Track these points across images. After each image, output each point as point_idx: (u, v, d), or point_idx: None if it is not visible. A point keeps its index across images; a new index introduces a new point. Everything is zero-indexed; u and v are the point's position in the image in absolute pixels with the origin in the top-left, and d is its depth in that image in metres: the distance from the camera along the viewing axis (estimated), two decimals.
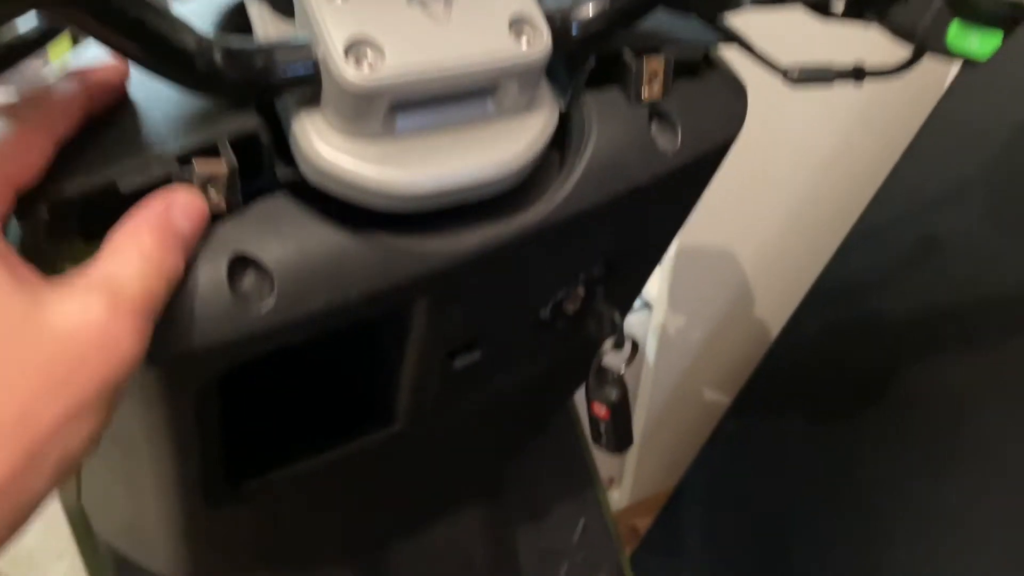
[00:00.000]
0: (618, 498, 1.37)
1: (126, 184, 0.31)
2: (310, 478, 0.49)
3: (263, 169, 0.35)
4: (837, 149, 1.06)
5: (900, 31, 0.38)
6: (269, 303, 0.33)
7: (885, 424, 0.97)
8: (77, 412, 0.27)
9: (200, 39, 0.31)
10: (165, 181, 0.32)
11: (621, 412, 0.51)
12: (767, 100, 0.95)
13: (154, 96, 0.34)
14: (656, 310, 1.11)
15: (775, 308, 1.17)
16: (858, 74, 0.42)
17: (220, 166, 0.32)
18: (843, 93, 1.06)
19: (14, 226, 0.31)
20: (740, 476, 1.15)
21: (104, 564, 0.63)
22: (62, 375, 0.26)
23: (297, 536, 0.59)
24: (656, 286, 1.08)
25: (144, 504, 0.47)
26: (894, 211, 1.00)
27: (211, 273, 0.32)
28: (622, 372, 0.51)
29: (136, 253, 0.29)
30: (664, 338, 1.13)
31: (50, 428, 0.26)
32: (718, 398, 1.28)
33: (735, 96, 0.44)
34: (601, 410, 0.51)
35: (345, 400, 0.51)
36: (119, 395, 0.29)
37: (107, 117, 0.33)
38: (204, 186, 0.32)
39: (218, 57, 0.31)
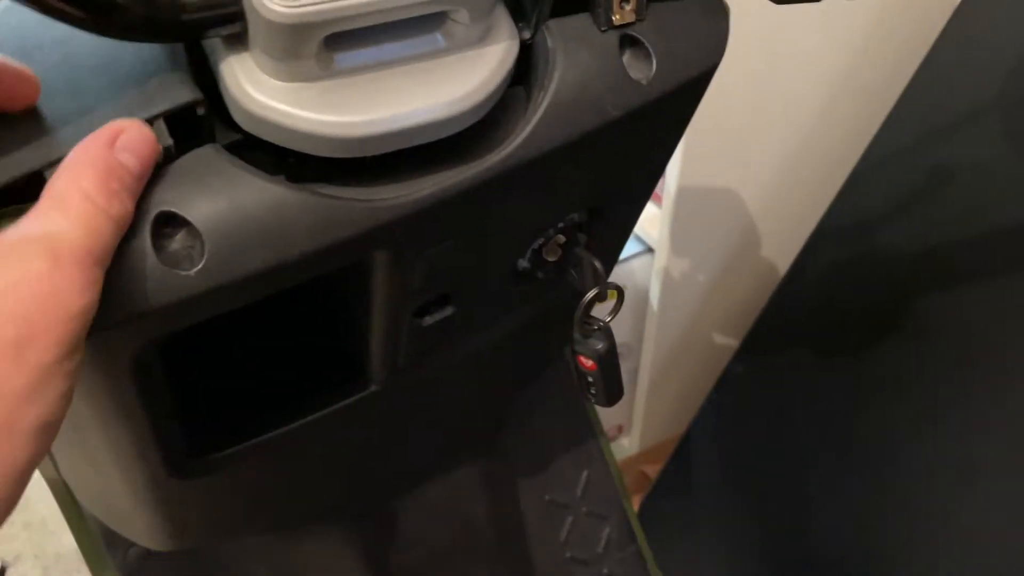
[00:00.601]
0: (627, 445, 1.35)
1: (51, 172, 0.29)
2: (285, 445, 0.46)
3: (204, 138, 0.32)
4: (841, 79, 1.01)
5: None
6: (199, 265, 0.30)
7: (895, 361, 0.95)
8: (40, 376, 0.25)
9: None
10: None
11: (609, 363, 0.48)
12: (766, 27, 0.91)
13: (82, 68, 0.31)
14: (659, 254, 1.07)
15: (781, 247, 1.14)
16: None
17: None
18: (845, 19, 1.01)
19: None
20: (749, 419, 1.13)
21: (92, 534, 0.62)
22: (12, 338, 0.24)
23: (281, 501, 0.57)
24: (657, 229, 1.05)
25: (111, 478, 0.45)
26: (902, 142, 0.95)
27: (134, 234, 0.29)
28: (607, 321, 0.48)
29: (77, 198, 0.27)
30: (668, 282, 1.10)
31: (16, 397, 0.24)
32: (725, 341, 1.25)
33: (716, 18, 0.40)
34: (587, 362, 0.48)
35: (317, 362, 0.48)
36: (80, 349, 0.26)
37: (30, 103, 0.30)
38: None
39: None
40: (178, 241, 0.30)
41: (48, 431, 0.26)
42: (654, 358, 1.20)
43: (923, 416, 0.91)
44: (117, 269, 0.29)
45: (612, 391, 0.49)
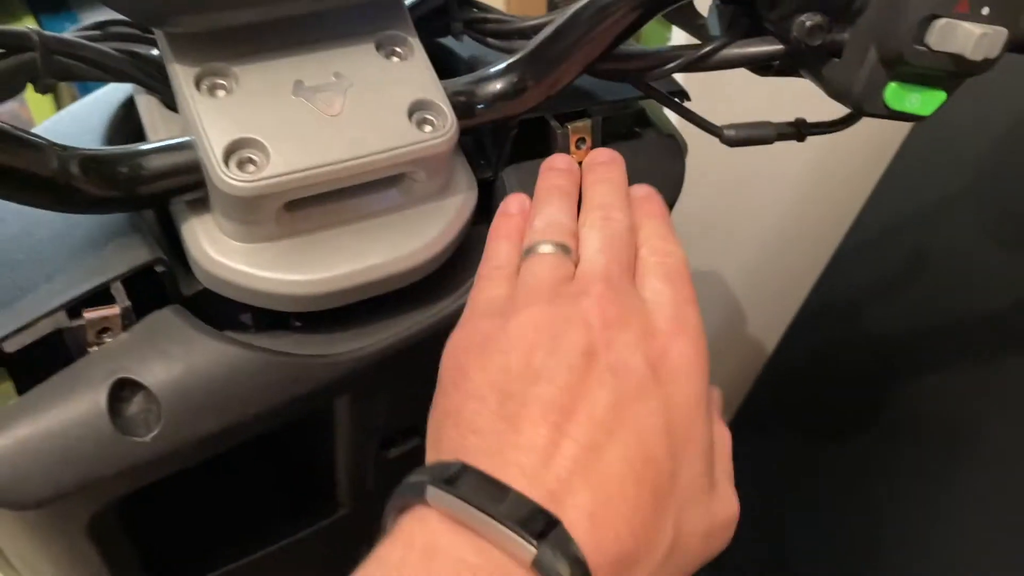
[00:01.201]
0: None
1: (13, 345, 0.29)
2: (254, 572, 0.46)
3: (166, 295, 0.33)
4: (822, 161, 1.03)
5: (835, 91, 0.35)
6: (155, 430, 0.31)
7: (883, 442, 0.95)
8: None
9: (58, 155, 0.28)
10: (56, 335, 0.30)
11: None
12: (746, 111, 0.92)
13: (42, 238, 0.32)
14: None
15: (767, 327, 1.14)
16: (799, 131, 0.40)
17: (112, 311, 0.31)
18: (827, 102, 1.03)
19: None
20: (739, 496, 1.12)
21: None
22: None
23: None
24: None
25: None
26: (883, 224, 0.97)
27: (90, 401, 0.30)
28: None
29: None
30: None
31: None
32: None
33: (673, 158, 0.41)
34: None
35: (285, 487, 0.48)
36: None
37: None
38: (97, 333, 0.30)
39: (74, 170, 0.29)
40: (135, 405, 0.31)
41: None
42: None
43: (912, 497, 0.91)
44: (72, 435, 0.29)
45: None
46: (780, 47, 0.35)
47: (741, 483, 1.06)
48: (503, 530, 0.23)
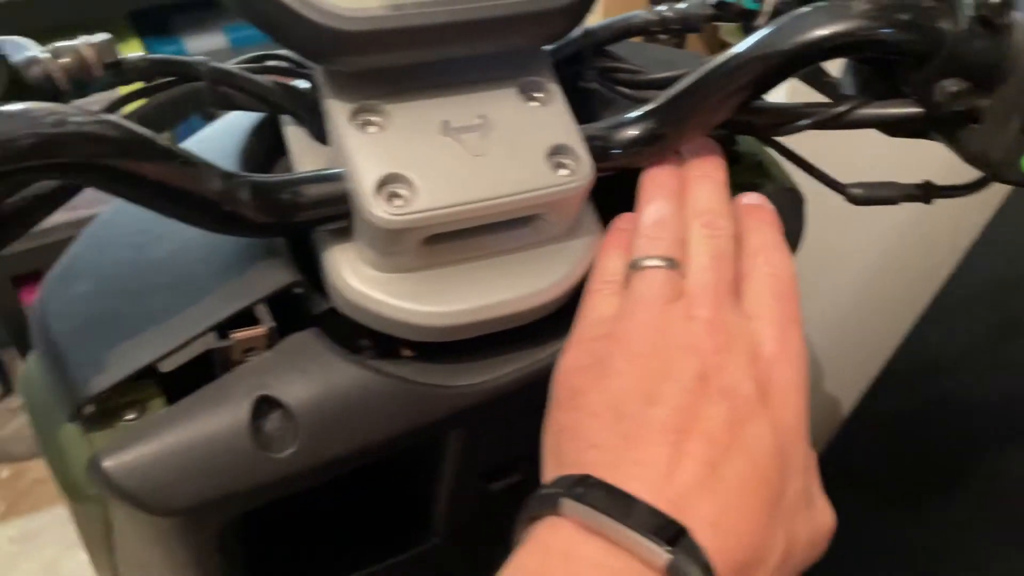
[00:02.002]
0: None
1: (168, 365, 0.31)
2: None
3: (304, 314, 0.34)
4: (911, 222, 1.01)
5: (971, 156, 0.35)
6: (292, 448, 0.32)
7: (962, 512, 0.91)
8: None
9: (225, 179, 0.30)
10: (205, 356, 0.31)
11: None
12: (837, 169, 0.92)
13: (190, 260, 0.34)
14: None
15: (845, 389, 1.12)
16: (926, 193, 0.39)
17: (259, 331, 0.32)
18: (917, 164, 1.02)
19: None
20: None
21: None
22: None
23: None
24: None
25: None
26: (972, 289, 0.94)
27: (234, 415, 0.31)
28: None
29: None
30: None
31: None
32: None
33: (794, 210, 0.42)
34: None
35: (380, 513, 0.49)
36: None
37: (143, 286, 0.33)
38: (243, 352, 0.32)
39: (244, 196, 0.30)
40: (272, 423, 0.32)
41: None
42: None
43: (993, 569, 0.87)
44: (215, 448, 0.31)
45: None
46: (918, 110, 0.35)
47: None
48: (638, 537, 0.25)
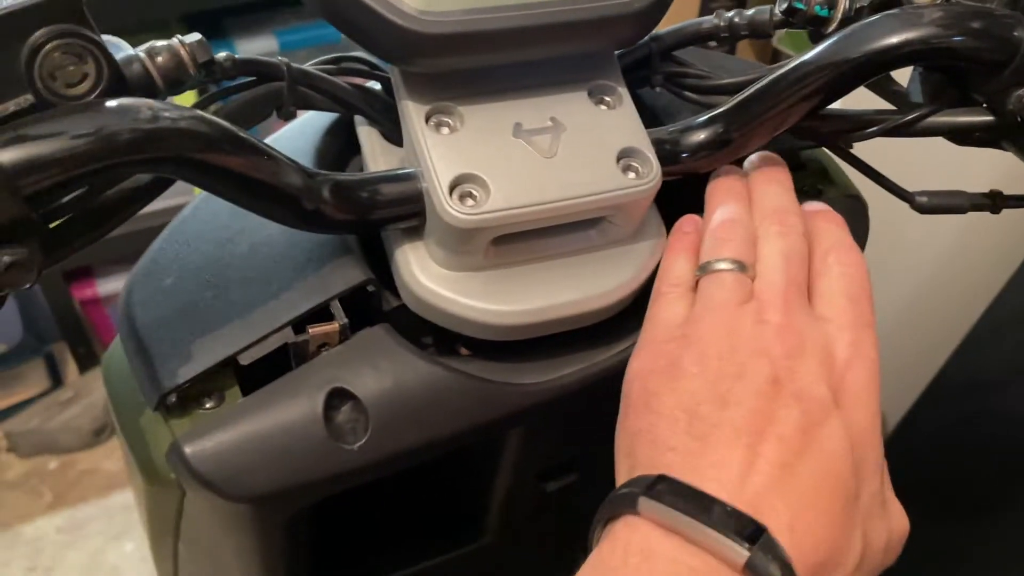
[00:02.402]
0: None
1: (247, 358, 0.32)
2: None
3: (372, 312, 0.35)
4: (962, 235, 1.00)
5: None
6: (363, 439, 0.32)
7: (1008, 534, 0.90)
8: None
9: (308, 177, 0.31)
10: (280, 350, 0.32)
11: None
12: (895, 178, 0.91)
13: (267, 257, 0.35)
14: None
15: (890, 403, 1.11)
16: (995, 203, 0.39)
17: (333, 327, 0.33)
18: (967, 177, 1.01)
19: None
20: None
21: None
22: None
23: None
24: None
25: None
26: (1021, 305, 0.93)
27: (308, 406, 0.32)
28: None
29: None
30: None
31: None
32: None
33: (856, 217, 0.42)
34: None
35: (434, 511, 0.50)
36: None
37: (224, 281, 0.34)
38: (317, 347, 0.33)
39: (326, 194, 0.31)
40: (344, 414, 0.33)
41: None
42: None
43: None
44: (290, 437, 0.32)
45: None
46: (989, 119, 0.35)
47: None
48: (717, 536, 0.25)
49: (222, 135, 0.28)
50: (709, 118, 0.36)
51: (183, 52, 0.29)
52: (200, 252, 0.35)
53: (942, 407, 0.98)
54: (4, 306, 0.27)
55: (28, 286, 0.23)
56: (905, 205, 0.39)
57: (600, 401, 0.40)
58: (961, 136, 0.37)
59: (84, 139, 0.24)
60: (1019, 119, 0.34)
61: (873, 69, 0.35)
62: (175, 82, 0.29)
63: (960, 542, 0.94)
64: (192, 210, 0.36)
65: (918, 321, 1.06)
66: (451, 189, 0.32)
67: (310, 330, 0.33)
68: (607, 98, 0.36)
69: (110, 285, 1.22)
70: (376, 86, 0.38)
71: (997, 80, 0.34)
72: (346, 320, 0.34)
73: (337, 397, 0.33)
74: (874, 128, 0.37)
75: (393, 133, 0.37)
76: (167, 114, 0.27)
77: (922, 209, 0.39)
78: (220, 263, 0.34)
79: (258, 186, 0.29)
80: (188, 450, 0.31)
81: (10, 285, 0.23)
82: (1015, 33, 0.33)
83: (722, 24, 0.39)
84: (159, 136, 0.26)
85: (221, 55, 0.32)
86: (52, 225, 0.26)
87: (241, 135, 0.28)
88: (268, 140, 0.41)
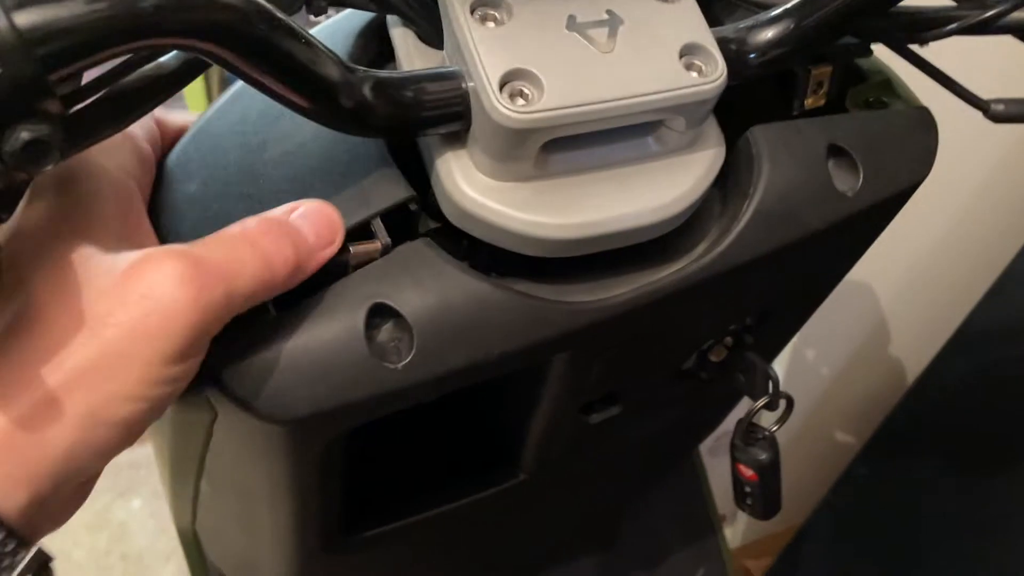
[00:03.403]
0: (730, 537, 1.30)
1: None
2: (428, 527, 0.46)
3: (414, 233, 0.33)
4: (996, 173, 0.97)
5: None
6: (406, 358, 0.30)
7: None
8: (136, 379, 0.25)
9: (348, 72, 0.28)
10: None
11: (771, 475, 0.46)
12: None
13: (303, 167, 0.32)
14: None
15: (915, 348, 1.09)
16: None
17: (375, 246, 0.31)
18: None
19: None
20: (868, 526, 1.07)
21: None
22: (118, 339, 0.25)
23: None
24: None
25: (259, 544, 0.45)
26: None
27: (348, 322, 0.30)
28: (774, 431, 0.46)
29: (234, 232, 0.28)
30: (790, 372, 1.06)
31: (112, 394, 0.25)
32: (845, 439, 1.20)
33: (925, 131, 0.39)
34: (747, 472, 0.46)
35: (468, 447, 0.48)
36: (187, 360, 0.27)
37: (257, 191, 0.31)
38: (359, 264, 0.31)
39: (367, 91, 0.28)
40: (387, 332, 0.30)
41: (136, 428, 0.27)
42: None
43: None
44: (330, 355, 0.29)
45: (770, 504, 0.47)
46: None
47: (867, 508, 1.01)
48: None
49: (258, 11, 0.25)
50: (778, 14, 0.33)
51: None
52: (228, 159, 0.32)
53: (964, 358, 0.96)
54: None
55: (49, 167, 0.21)
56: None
57: (649, 326, 0.38)
58: None
59: (107, 3, 0.21)
60: None
61: None
62: None
63: (983, 491, 0.93)
64: (217, 111, 0.33)
65: (947, 263, 1.04)
66: (501, 86, 0.30)
67: (352, 247, 0.30)
68: None
69: None
70: None
71: None
72: (388, 239, 0.31)
73: (379, 314, 0.30)
74: (953, 25, 0.34)
75: (430, 35, 0.34)
76: None
77: (997, 118, 0.36)
78: (251, 172, 0.32)
79: (294, 74, 0.26)
80: (223, 367, 0.28)
81: (30, 166, 0.20)
82: None
83: None
84: (189, 5, 0.23)
85: None
86: (73, 109, 0.24)
87: (278, 15, 0.26)
88: None
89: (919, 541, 0.99)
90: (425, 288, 0.31)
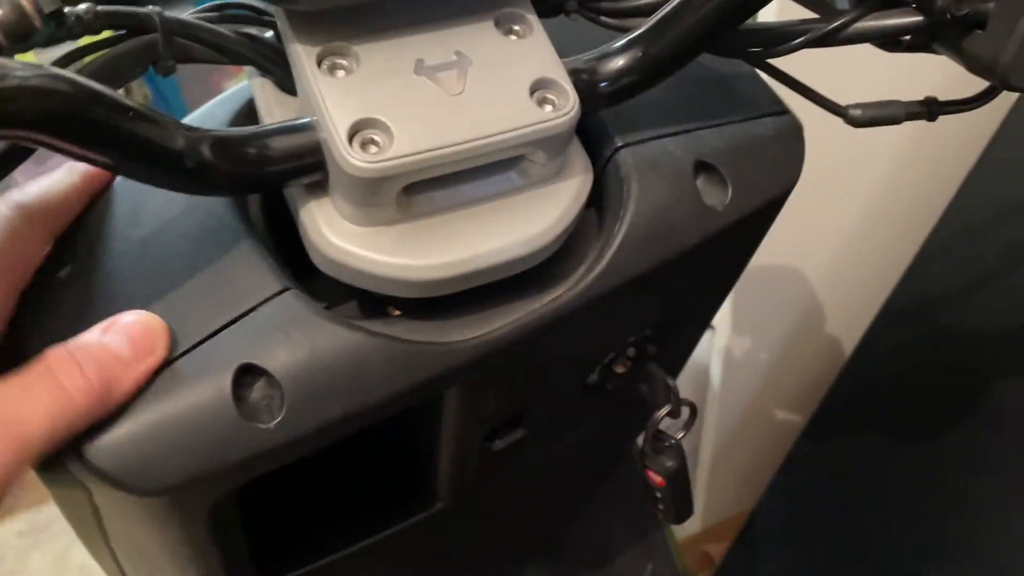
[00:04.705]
0: (689, 524, 1.32)
1: None
2: (352, 564, 0.46)
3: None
4: (909, 153, 0.99)
5: (978, 65, 0.33)
6: (278, 416, 0.30)
7: (969, 444, 0.91)
8: None
9: (187, 134, 0.28)
10: None
11: (679, 481, 0.46)
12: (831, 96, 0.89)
13: (166, 269, 0.32)
14: (719, 332, 1.05)
15: (847, 325, 1.11)
16: (931, 110, 0.37)
17: None
18: (913, 90, 1.00)
19: None
20: (816, 501, 1.09)
21: None
22: None
23: None
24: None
25: None
26: (972, 219, 0.93)
27: (215, 386, 0.30)
28: (679, 438, 0.46)
29: (39, 369, 0.27)
30: (729, 360, 1.08)
31: None
32: (789, 418, 1.22)
33: (791, 140, 0.40)
34: (656, 478, 0.47)
35: (384, 478, 0.48)
36: None
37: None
38: None
39: (206, 151, 0.28)
40: (257, 391, 0.30)
41: None
42: (716, 436, 1.17)
43: (1000, 500, 0.87)
44: (198, 421, 0.29)
45: (681, 509, 0.48)
46: (919, 19, 0.33)
47: (815, 485, 1.04)
48: None
49: (81, 93, 0.25)
50: (626, 42, 0.34)
51: (25, 2, 0.26)
52: (100, 267, 0.32)
53: (896, 328, 0.98)
54: None
55: None
56: (849, 130, 0.37)
57: (537, 352, 0.38)
58: (889, 41, 0.35)
59: None
60: (949, 16, 0.32)
61: None
62: (19, 37, 0.26)
63: (917, 460, 0.95)
64: (85, 224, 0.33)
65: (869, 242, 1.06)
66: (351, 137, 0.30)
67: None
68: (516, 27, 0.33)
69: None
70: (268, 33, 0.35)
71: None
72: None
73: (247, 373, 0.30)
74: (800, 39, 0.35)
75: (288, 82, 0.34)
76: (15, 72, 0.24)
77: (856, 122, 0.37)
78: (122, 277, 0.31)
79: (129, 148, 0.26)
80: (87, 446, 0.28)
81: None
82: None
83: None
84: (13, 95, 0.23)
85: (81, 6, 0.29)
86: None
87: (104, 92, 0.25)
88: (189, 117, 0.37)
89: (866, 514, 1.01)
90: (293, 343, 0.31)
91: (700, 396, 1.15)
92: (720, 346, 1.06)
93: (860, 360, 1.03)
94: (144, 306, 0.30)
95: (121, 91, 0.27)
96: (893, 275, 0.98)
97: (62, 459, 0.28)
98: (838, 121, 0.38)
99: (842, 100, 0.38)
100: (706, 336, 1.11)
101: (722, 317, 1.03)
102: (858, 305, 1.06)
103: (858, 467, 1.03)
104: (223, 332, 0.30)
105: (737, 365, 1.10)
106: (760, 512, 1.14)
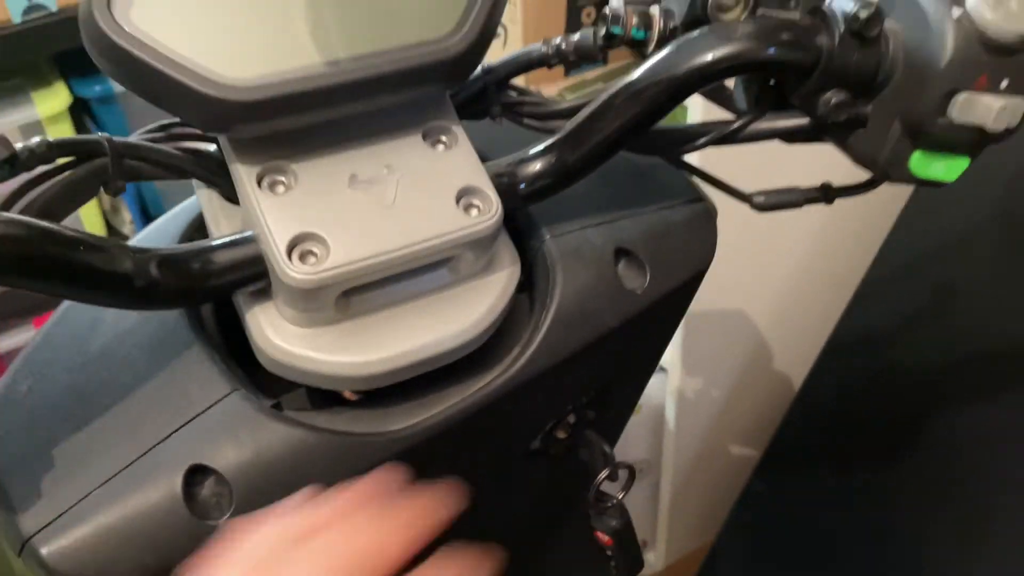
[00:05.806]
0: (653, 560, 1.34)
1: None
2: None
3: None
4: (844, 201, 1.04)
5: (860, 159, 0.37)
6: (228, 512, 0.32)
7: (917, 473, 0.94)
8: None
9: (134, 256, 0.30)
10: None
11: (625, 538, 0.49)
12: (768, 150, 0.94)
13: (120, 381, 0.34)
14: (671, 374, 1.08)
15: (794, 362, 1.15)
16: (827, 195, 0.41)
17: None
18: (833, 165, 1.04)
19: None
20: (774, 533, 1.12)
21: None
22: None
23: None
24: (669, 350, 1.06)
25: None
26: (903, 260, 0.97)
27: (167, 487, 0.32)
28: (620, 498, 0.49)
29: None
30: (682, 400, 1.11)
31: None
32: (745, 453, 1.25)
33: (704, 223, 0.43)
34: (604, 538, 0.49)
35: None
36: None
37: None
38: None
39: (154, 270, 0.31)
40: (208, 489, 0.32)
41: None
42: (674, 474, 1.19)
43: (949, 526, 0.91)
44: (151, 521, 0.31)
45: (632, 563, 0.50)
46: (805, 121, 0.37)
47: (771, 518, 1.06)
48: None
49: (31, 235, 0.27)
50: (544, 147, 0.37)
51: None
52: (58, 382, 0.34)
53: (838, 367, 1.02)
54: None
55: None
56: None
57: (476, 430, 0.41)
58: (788, 137, 0.39)
59: None
60: (830, 120, 0.35)
61: (695, 84, 0.36)
62: None
63: (865, 495, 0.99)
64: (43, 339, 0.35)
65: (808, 286, 1.10)
66: (289, 250, 0.32)
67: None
68: (443, 138, 0.36)
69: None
70: (211, 147, 0.38)
71: (807, 85, 0.35)
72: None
73: (197, 473, 0.32)
74: (705, 139, 0.38)
75: (233, 192, 0.37)
76: None
77: (760, 208, 0.41)
78: (79, 391, 0.33)
79: (80, 278, 0.29)
80: (44, 551, 0.30)
81: None
82: (818, 41, 0.35)
83: (551, 51, 0.40)
84: None
85: (33, 141, 0.31)
86: None
87: (53, 229, 0.28)
88: (144, 231, 0.40)
89: (822, 540, 1.04)
90: (240, 442, 0.33)
91: (657, 435, 1.18)
92: (673, 387, 1.09)
93: (808, 394, 1.07)
94: (102, 416, 0.32)
95: None
96: (834, 314, 1.02)
97: (25, 561, 0.30)
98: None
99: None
100: (659, 378, 1.14)
101: (673, 359, 1.07)
102: (803, 343, 1.10)
103: (811, 497, 1.07)
104: (174, 435, 0.33)
105: (691, 404, 1.13)
106: (720, 545, 1.16)
